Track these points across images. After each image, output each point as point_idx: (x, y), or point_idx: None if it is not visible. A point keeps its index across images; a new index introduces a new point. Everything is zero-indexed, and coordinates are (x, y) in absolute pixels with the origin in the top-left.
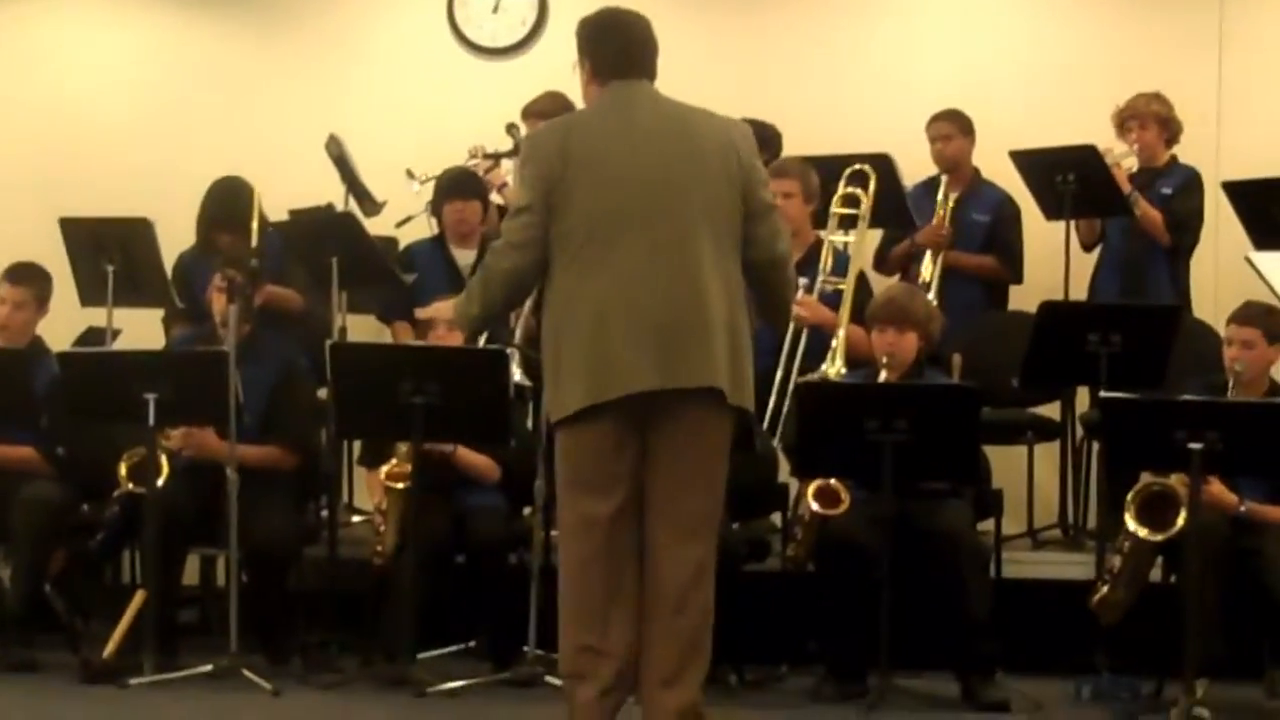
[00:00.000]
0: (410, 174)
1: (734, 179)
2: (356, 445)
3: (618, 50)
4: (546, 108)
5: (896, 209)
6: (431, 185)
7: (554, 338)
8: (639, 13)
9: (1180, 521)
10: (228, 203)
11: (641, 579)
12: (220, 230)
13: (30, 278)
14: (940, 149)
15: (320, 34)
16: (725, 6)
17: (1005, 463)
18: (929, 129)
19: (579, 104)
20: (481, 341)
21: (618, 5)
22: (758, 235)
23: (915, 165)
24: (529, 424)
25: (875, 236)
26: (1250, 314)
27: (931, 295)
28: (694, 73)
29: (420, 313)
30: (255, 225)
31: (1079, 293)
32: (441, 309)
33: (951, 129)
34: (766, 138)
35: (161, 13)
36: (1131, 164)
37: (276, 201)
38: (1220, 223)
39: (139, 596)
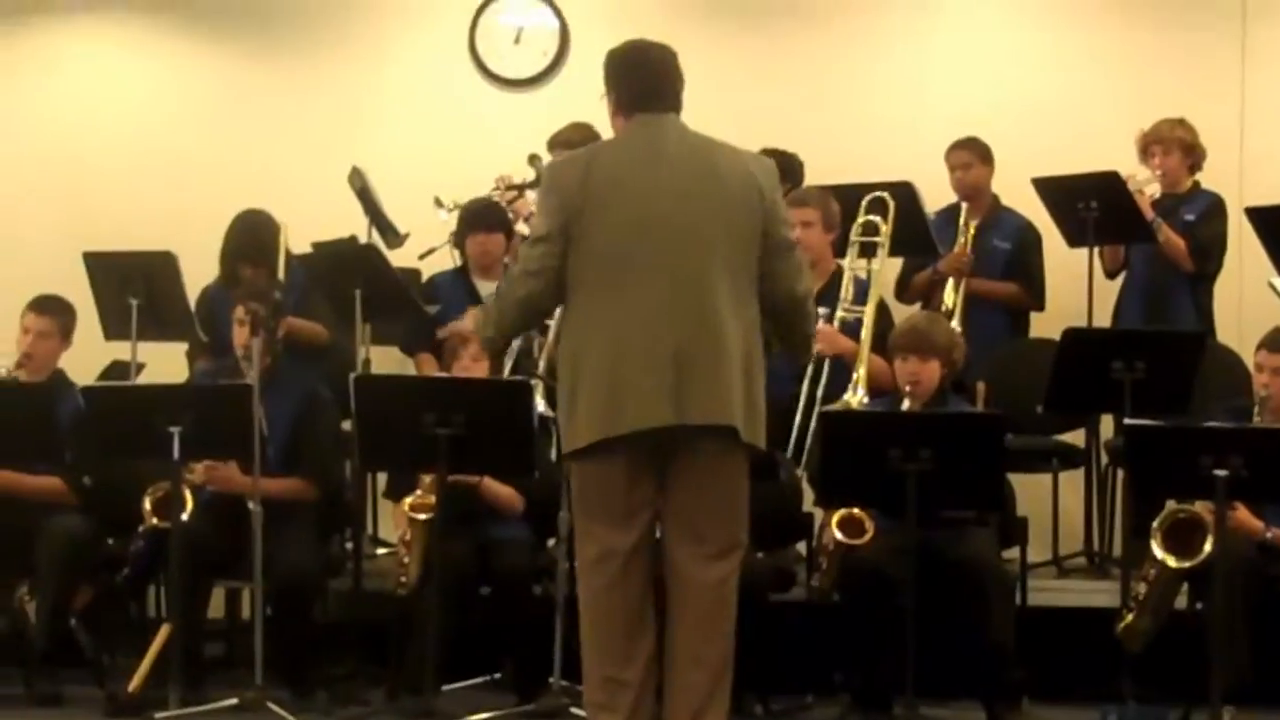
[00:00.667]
0: (439, 202)
1: (755, 215)
2: (381, 478)
3: (642, 83)
4: (572, 138)
5: (919, 237)
6: (459, 210)
7: (570, 368)
8: (665, 45)
9: (1206, 548)
10: (251, 236)
11: (664, 608)
12: (244, 263)
13: (55, 309)
14: (960, 176)
15: (342, 66)
16: (744, 36)
17: (1030, 490)
18: (948, 157)
19: (605, 134)
20: (506, 372)
21: (643, 38)
22: (778, 272)
23: (935, 193)
24: (552, 455)
25: (896, 265)
26: (1278, 340)
27: (955, 323)
28: (714, 101)
29: (442, 331)
30: (281, 258)
31: (1103, 319)
32: (462, 325)
33: (971, 157)
34: (790, 167)
35: (185, 46)
36: (1154, 190)
37: (300, 234)
38: (1244, 248)
39: (164, 630)
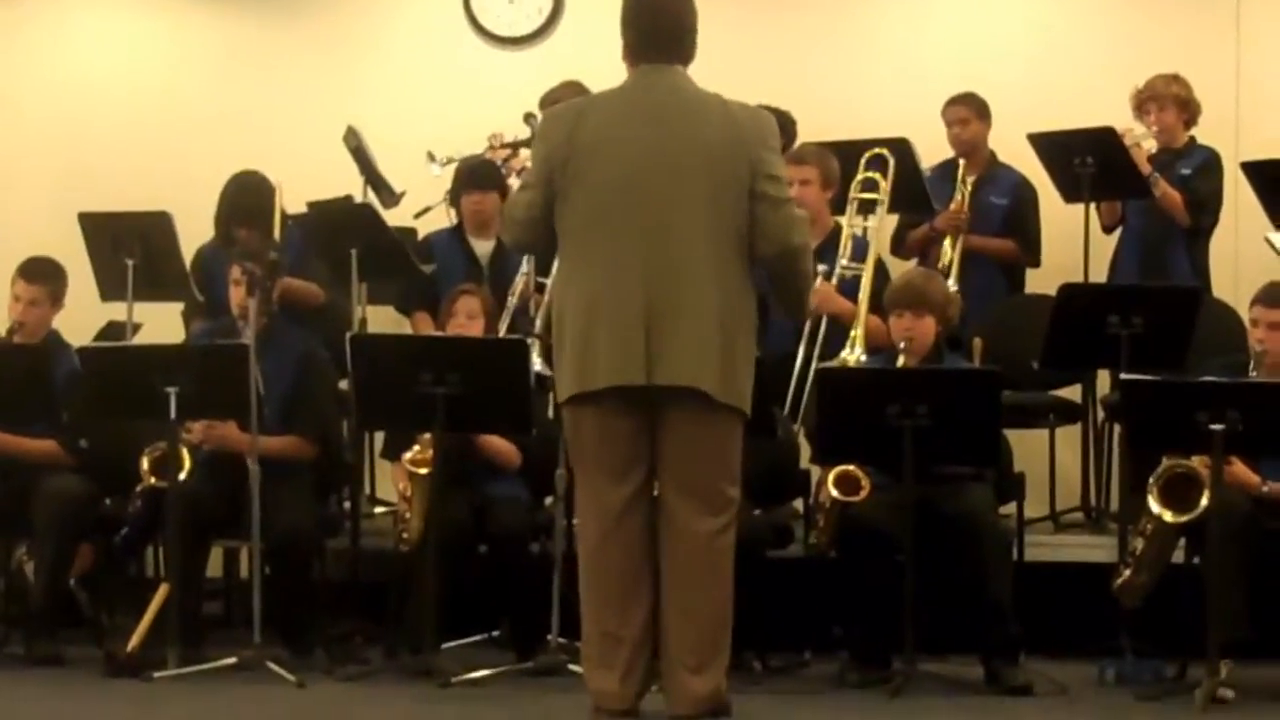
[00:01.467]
0: (431, 156)
1: (740, 171)
2: (379, 438)
3: (648, 31)
4: (564, 97)
5: (915, 193)
6: (451, 168)
7: (557, 320)
8: None
9: (1203, 503)
10: (246, 197)
11: (660, 564)
12: (239, 224)
13: (44, 275)
14: (957, 133)
15: (336, 25)
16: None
17: (1026, 446)
18: (945, 113)
19: (596, 88)
20: (503, 330)
21: None
22: (768, 226)
23: (931, 149)
24: (549, 413)
25: (891, 221)
26: (1273, 294)
27: (951, 279)
28: (710, 62)
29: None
30: (276, 218)
31: (1098, 275)
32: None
33: (968, 113)
34: (781, 124)
35: (177, 6)
36: (1150, 145)
37: (295, 194)
38: (1240, 203)
39: (162, 590)
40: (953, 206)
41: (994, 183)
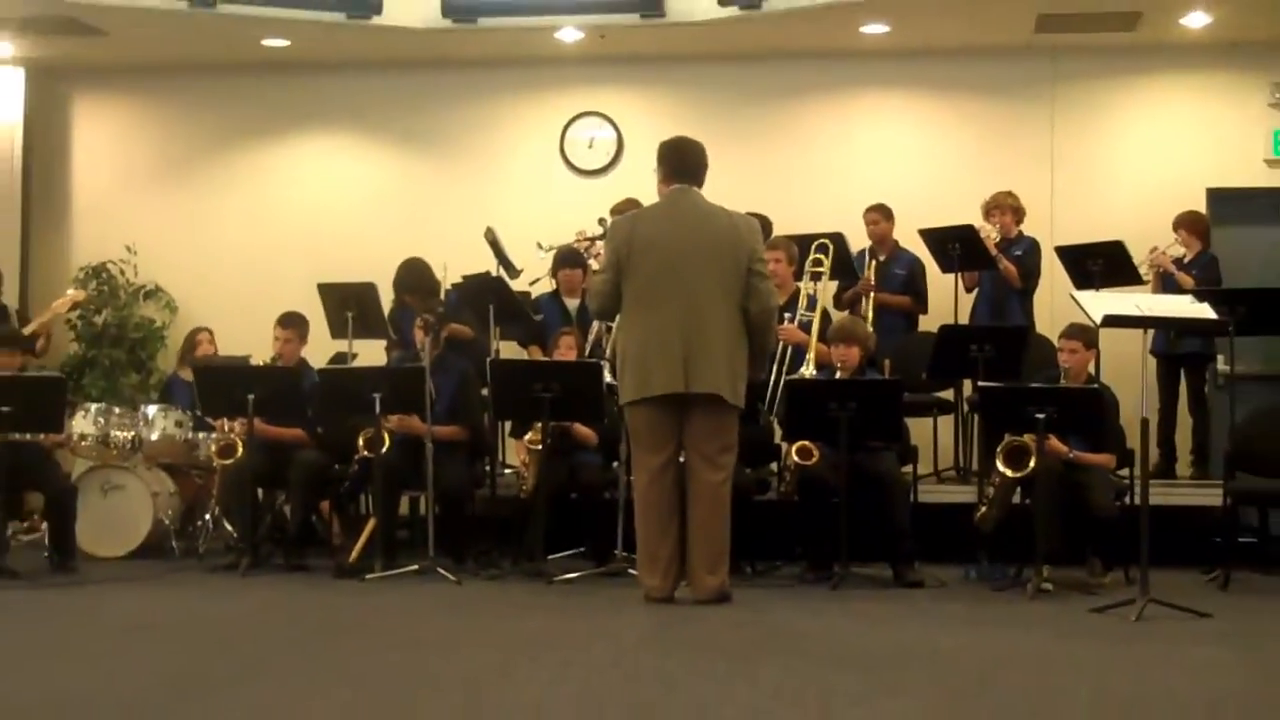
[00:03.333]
0: (539, 245)
1: (741, 257)
2: (508, 425)
3: (680, 164)
4: (625, 207)
5: (847, 268)
6: (553, 252)
7: (621, 354)
8: (698, 141)
9: (1031, 464)
10: (410, 276)
11: (685, 508)
12: (406, 292)
13: (295, 322)
14: (872, 229)
15: (477, 161)
16: (736, 143)
17: (919, 429)
18: (864, 216)
19: (647, 201)
20: (586, 355)
21: (683, 135)
22: (757, 292)
23: (857, 239)
24: (616, 409)
25: (833, 286)
26: (1074, 331)
27: (870, 323)
28: (720, 182)
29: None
30: (442, 286)
31: (964, 319)
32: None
33: (879, 216)
34: (762, 224)
35: (379, 153)
36: (995, 236)
37: (454, 270)
38: (1054, 272)
39: (371, 523)
40: (861, 280)
41: (897, 260)
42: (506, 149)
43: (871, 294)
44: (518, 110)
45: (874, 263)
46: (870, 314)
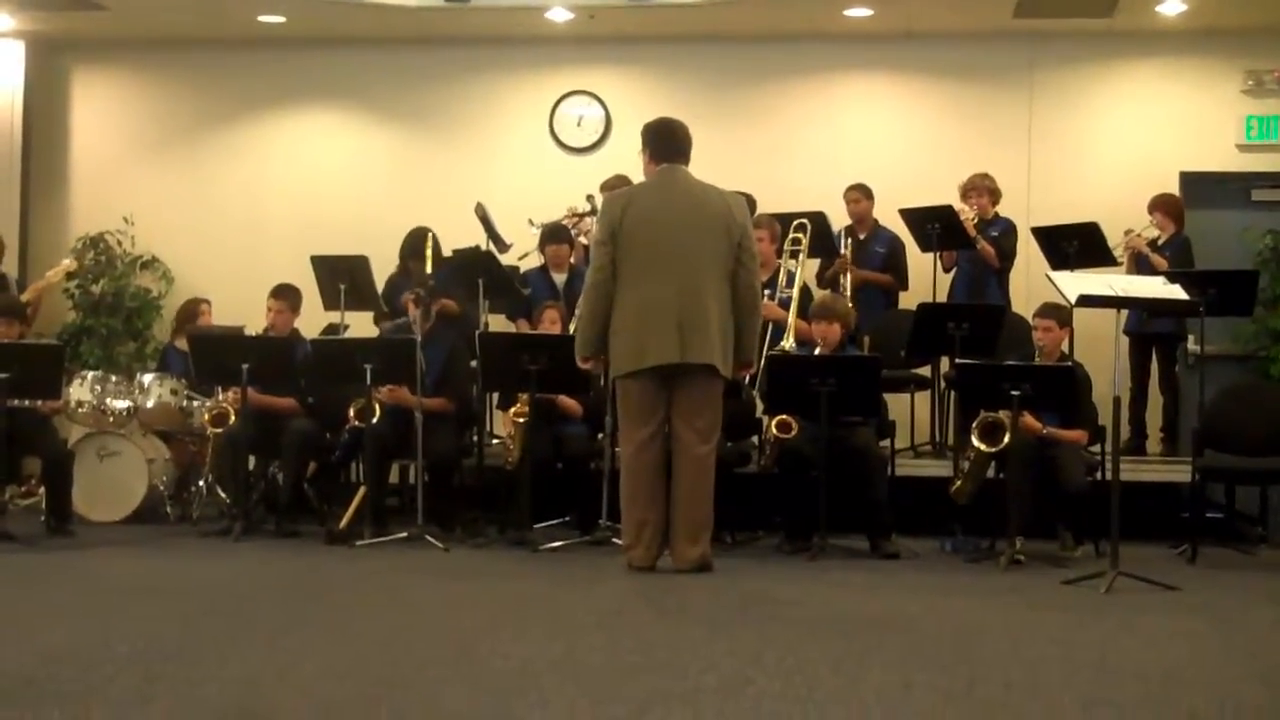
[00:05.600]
0: (530, 221)
1: (731, 234)
2: (495, 396)
3: (666, 144)
4: (614, 183)
5: (827, 246)
6: (540, 229)
7: (615, 326)
8: (681, 121)
9: (1006, 439)
10: (418, 242)
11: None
12: (411, 258)
13: (288, 294)
14: (852, 209)
15: (469, 139)
16: (721, 123)
17: (897, 404)
18: (845, 195)
19: (635, 178)
20: (573, 328)
21: (667, 116)
22: (745, 268)
23: (839, 217)
24: (602, 382)
25: (814, 264)
26: (1048, 310)
27: (849, 300)
28: (705, 162)
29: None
30: (430, 259)
31: (942, 297)
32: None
33: (859, 195)
34: (748, 202)
35: (373, 127)
36: (973, 217)
37: (444, 244)
38: (1030, 253)
39: (361, 490)
40: (840, 257)
41: (877, 239)
42: (497, 126)
43: (849, 271)
44: (509, 88)
45: (850, 241)
46: (849, 291)
